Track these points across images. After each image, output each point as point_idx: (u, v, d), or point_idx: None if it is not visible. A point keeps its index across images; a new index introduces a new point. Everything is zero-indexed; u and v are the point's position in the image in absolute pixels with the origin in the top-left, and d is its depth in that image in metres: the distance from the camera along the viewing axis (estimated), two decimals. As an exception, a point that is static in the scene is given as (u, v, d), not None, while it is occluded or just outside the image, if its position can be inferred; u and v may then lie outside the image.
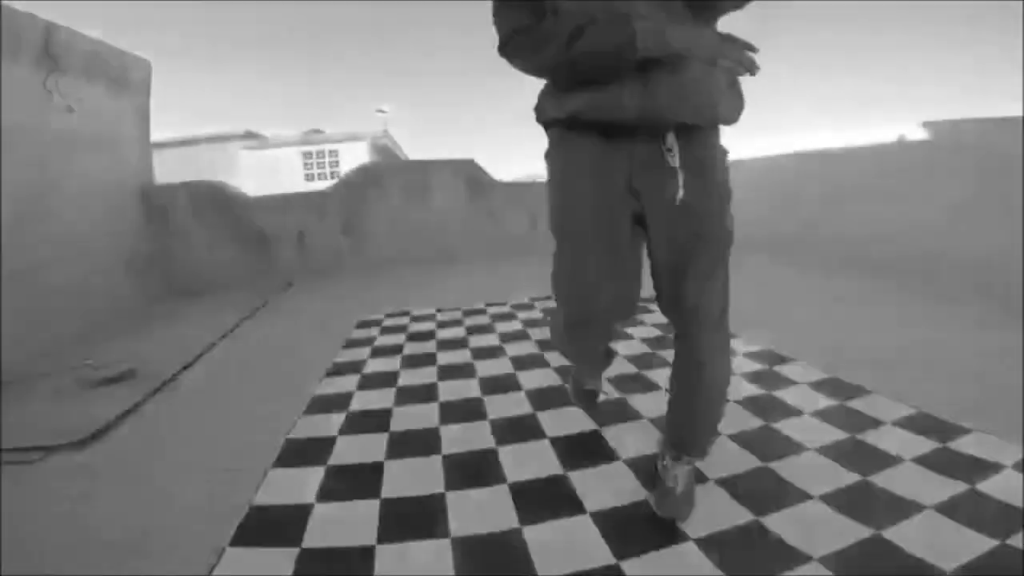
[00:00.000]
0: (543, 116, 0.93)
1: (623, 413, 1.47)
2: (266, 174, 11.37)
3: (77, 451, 1.45)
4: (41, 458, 1.42)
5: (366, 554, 0.95)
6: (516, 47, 0.85)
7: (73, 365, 2.26)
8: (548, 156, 0.97)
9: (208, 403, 1.79)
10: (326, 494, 1.16)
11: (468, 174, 4.65)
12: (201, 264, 4.10)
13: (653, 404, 1.48)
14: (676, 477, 0.99)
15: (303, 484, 1.21)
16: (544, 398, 1.60)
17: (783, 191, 4.17)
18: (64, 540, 1.06)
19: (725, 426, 1.21)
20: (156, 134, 4.42)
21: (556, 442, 1.34)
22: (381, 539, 0.99)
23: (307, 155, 11.67)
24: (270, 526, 1.06)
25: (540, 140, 0.99)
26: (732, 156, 0.95)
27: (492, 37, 0.87)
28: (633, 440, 1.31)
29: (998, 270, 2.39)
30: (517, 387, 1.70)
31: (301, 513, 1.09)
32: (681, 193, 0.83)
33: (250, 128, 11.51)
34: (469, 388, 1.72)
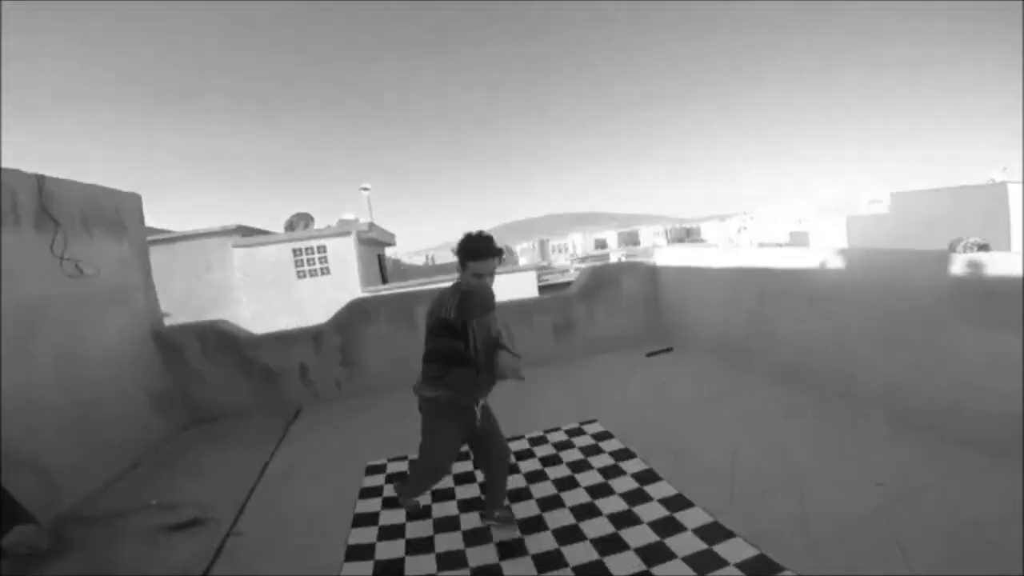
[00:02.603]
0: None
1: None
2: (258, 269, 12.64)
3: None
4: None
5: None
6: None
7: (141, 504, 3.28)
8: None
9: (269, 547, 2.78)
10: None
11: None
12: (217, 395, 5.11)
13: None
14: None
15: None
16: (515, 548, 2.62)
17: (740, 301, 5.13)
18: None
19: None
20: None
21: None
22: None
23: (297, 252, 12.98)
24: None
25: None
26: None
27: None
28: None
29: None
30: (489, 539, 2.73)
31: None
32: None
33: (242, 222, 12.84)
34: (456, 540, 2.72)
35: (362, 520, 3.00)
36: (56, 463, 3.35)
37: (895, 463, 2.93)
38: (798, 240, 22.07)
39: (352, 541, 2.79)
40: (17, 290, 3.44)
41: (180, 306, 10.73)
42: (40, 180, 3.77)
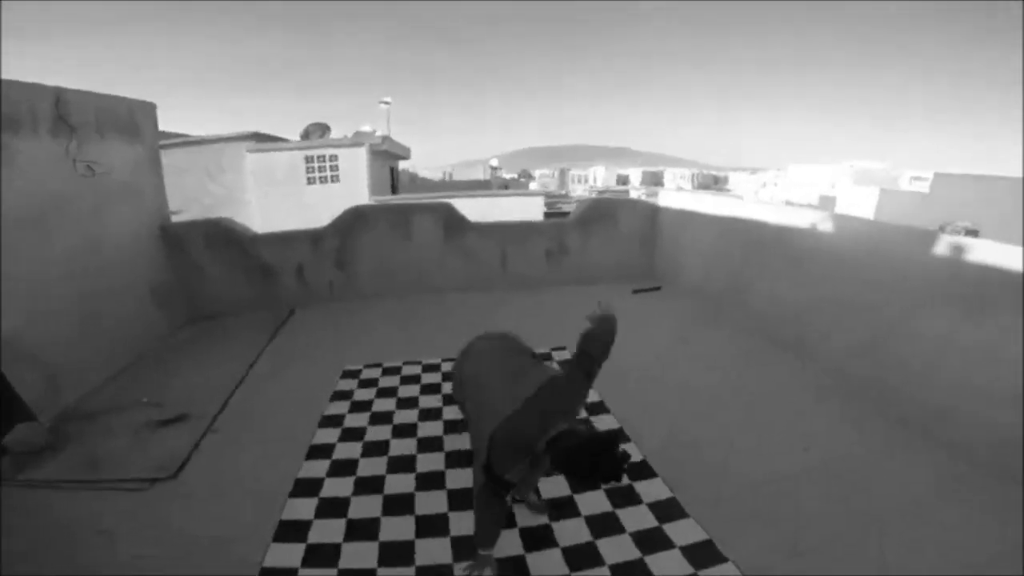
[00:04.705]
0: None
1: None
2: (270, 175, 12.57)
3: (169, 482, 2.60)
4: (149, 487, 2.56)
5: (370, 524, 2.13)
6: None
7: (133, 401, 3.42)
8: None
9: (242, 443, 2.94)
10: (319, 513, 2.32)
11: (445, 215, 5.69)
12: (216, 292, 5.21)
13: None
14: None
15: (308, 507, 2.37)
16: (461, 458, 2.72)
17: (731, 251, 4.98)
18: (183, 539, 2.21)
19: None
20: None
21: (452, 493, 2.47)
22: (350, 532, 2.14)
23: (308, 159, 12.80)
24: (294, 531, 2.21)
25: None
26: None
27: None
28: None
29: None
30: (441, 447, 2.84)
31: (307, 523, 2.25)
32: None
33: (258, 130, 12.63)
34: (410, 446, 2.85)
35: (328, 422, 3.13)
36: (60, 358, 3.49)
37: (830, 430, 2.91)
38: (826, 205, 20.81)
39: (315, 441, 2.93)
40: (30, 188, 3.50)
41: (192, 204, 10.77)
42: (58, 91, 3.80)
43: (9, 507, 2.47)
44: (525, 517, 2.25)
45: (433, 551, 2.09)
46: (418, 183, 21.86)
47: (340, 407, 3.30)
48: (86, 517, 2.38)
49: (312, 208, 12.51)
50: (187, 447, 2.88)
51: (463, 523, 2.22)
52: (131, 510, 2.42)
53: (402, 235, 5.61)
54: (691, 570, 1.95)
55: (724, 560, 1.99)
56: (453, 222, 5.73)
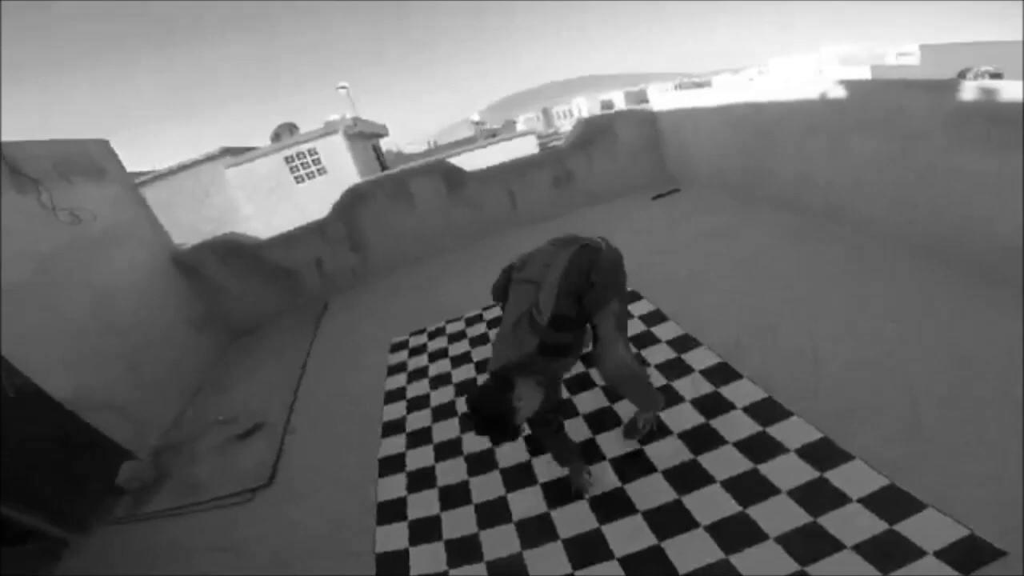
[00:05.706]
0: None
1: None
2: (256, 185, 12.15)
3: (267, 488, 2.60)
4: (251, 498, 2.57)
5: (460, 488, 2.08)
6: None
7: (211, 422, 3.43)
8: None
9: (320, 437, 2.92)
10: (410, 487, 2.28)
11: (442, 173, 5.38)
12: (247, 306, 5.10)
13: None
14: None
15: (399, 483, 2.32)
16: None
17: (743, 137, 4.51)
18: (297, 540, 2.20)
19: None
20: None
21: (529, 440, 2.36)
22: (444, 500, 2.07)
23: (289, 159, 12.32)
24: (394, 510, 2.17)
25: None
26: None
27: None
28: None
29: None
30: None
31: (402, 500, 2.21)
32: None
33: (225, 144, 12.17)
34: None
35: (392, 397, 3.06)
36: (131, 400, 3.48)
37: (905, 295, 2.55)
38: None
39: (386, 418, 2.86)
40: (28, 246, 3.33)
41: (191, 235, 10.57)
42: (1, 144, 3.46)
43: (136, 543, 2.54)
44: (611, 447, 2.14)
45: (526, 503, 2.02)
46: (404, 158, 21.27)
47: (399, 380, 3.22)
48: (206, 538, 2.42)
49: (309, 205, 12.23)
50: (272, 453, 2.87)
51: (547, 469, 2.14)
52: (243, 523, 2.44)
53: (405, 204, 5.35)
54: (816, 473, 1.69)
55: (850, 458, 1.71)
56: (451, 178, 5.42)
